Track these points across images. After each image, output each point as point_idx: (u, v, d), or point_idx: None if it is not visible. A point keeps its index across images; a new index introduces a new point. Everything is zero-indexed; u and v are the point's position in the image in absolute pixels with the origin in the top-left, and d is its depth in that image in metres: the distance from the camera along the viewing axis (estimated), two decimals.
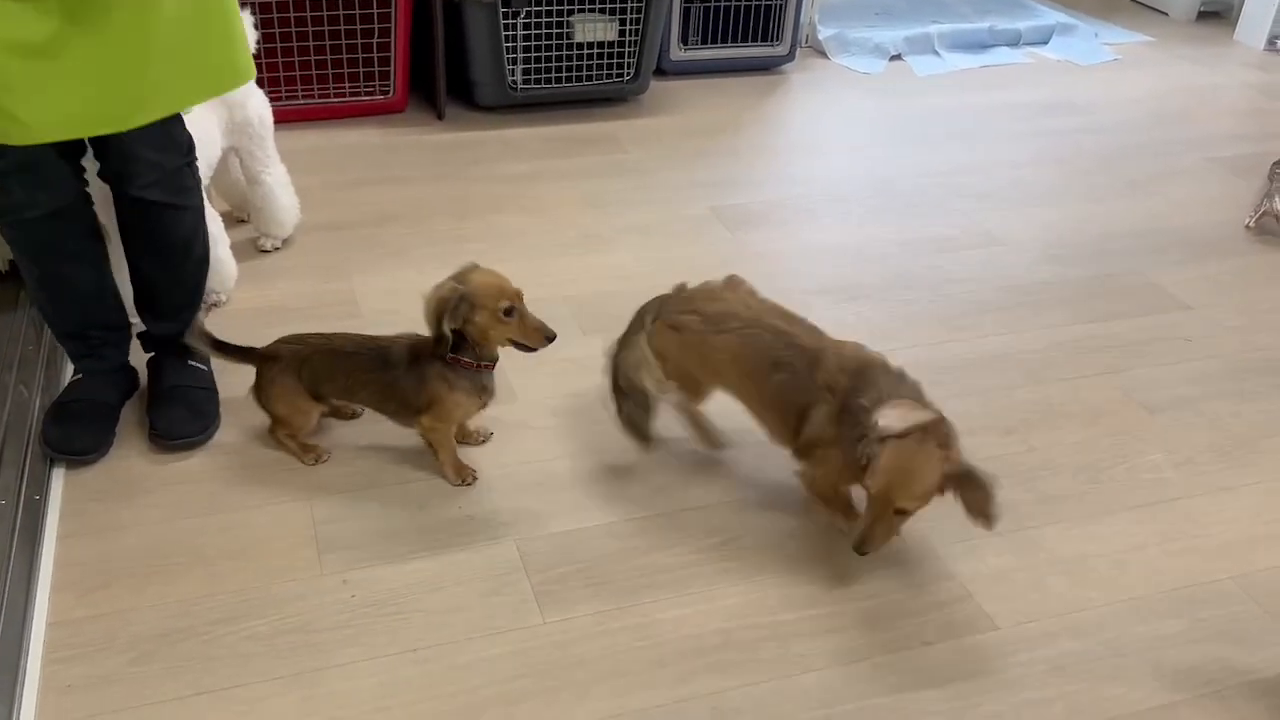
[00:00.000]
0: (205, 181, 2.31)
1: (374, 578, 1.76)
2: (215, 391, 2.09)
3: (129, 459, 1.98)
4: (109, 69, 1.64)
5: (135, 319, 2.11)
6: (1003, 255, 2.87)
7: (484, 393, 1.91)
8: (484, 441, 2.07)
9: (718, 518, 1.93)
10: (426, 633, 1.67)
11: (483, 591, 1.75)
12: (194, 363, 2.09)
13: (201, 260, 2.06)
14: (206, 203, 2.11)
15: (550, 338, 1.83)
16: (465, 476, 1.97)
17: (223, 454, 2.01)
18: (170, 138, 1.88)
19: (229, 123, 2.39)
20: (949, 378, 2.34)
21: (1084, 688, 1.65)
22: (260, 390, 1.96)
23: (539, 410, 2.18)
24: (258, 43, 2.43)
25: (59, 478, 1.92)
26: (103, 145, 1.83)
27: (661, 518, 1.92)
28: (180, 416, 2.00)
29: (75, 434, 1.95)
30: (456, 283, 1.82)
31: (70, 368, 2.11)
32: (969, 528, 1.92)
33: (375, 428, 2.05)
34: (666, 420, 2.14)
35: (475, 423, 2.05)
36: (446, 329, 1.80)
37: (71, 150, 1.83)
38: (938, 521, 1.94)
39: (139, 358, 2.14)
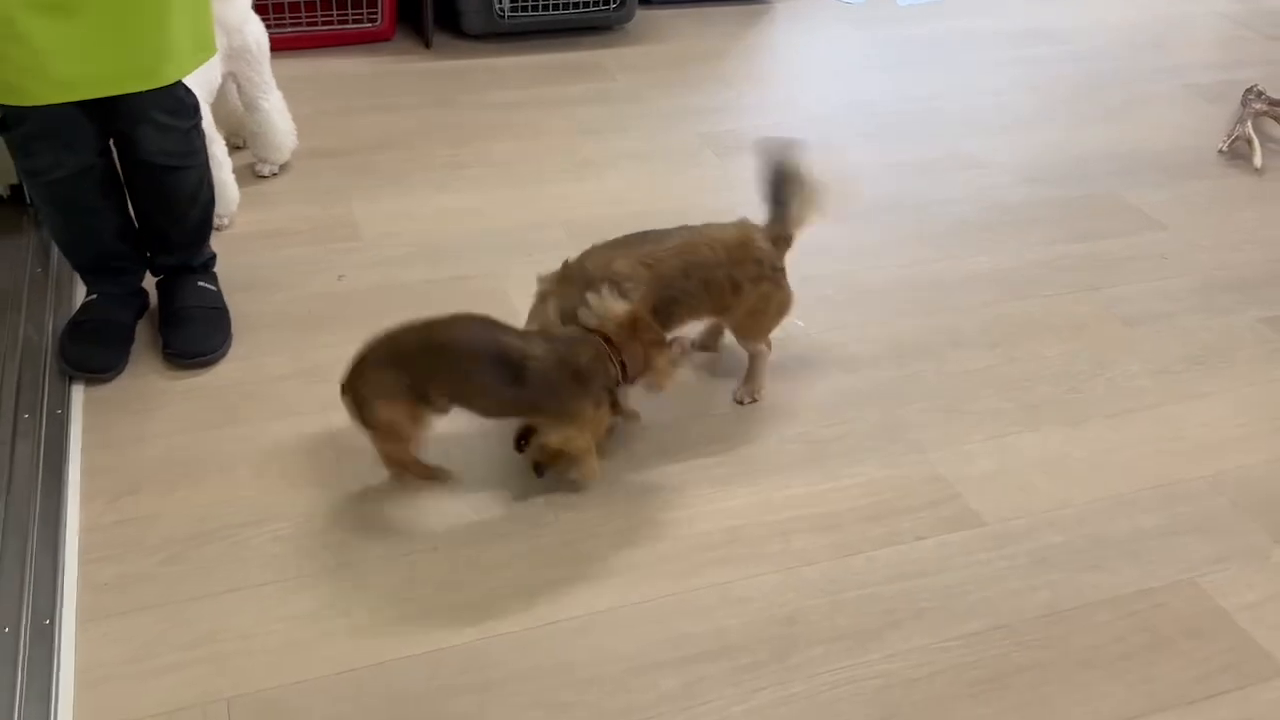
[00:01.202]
0: (205, 107, 2.33)
1: (388, 484, 1.83)
2: (226, 311, 2.14)
3: (145, 376, 2.03)
4: (129, 27, 1.68)
5: None
6: (984, 178, 2.94)
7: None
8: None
9: (720, 428, 2.01)
10: (446, 532, 1.75)
11: (498, 493, 1.82)
12: (203, 283, 2.14)
13: (207, 204, 2.10)
14: (210, 125, 2.15)
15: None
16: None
17: (235, 370, 2.06)
18: (180, 101, 1.93)
19: (227, 48, 2.41)
20: (934, 294, 2.43)
21: (1066, 577, 1.76)
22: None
23: None
24: None
25: (79, 394, 1.98)
26: (115, 113, 1.85)
27: (666, 428, 2.00)
28: (194, 335, 2.06)
29: (93, 353, 2.00)
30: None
31: (81, 287, 2.15)
32: (955, 433, 2.03)
33: None
34: None
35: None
36: None
37: (94, 111, 1.84)
38: (924, 427, 2.04)
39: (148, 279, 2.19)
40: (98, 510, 1.74)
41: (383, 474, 1.84)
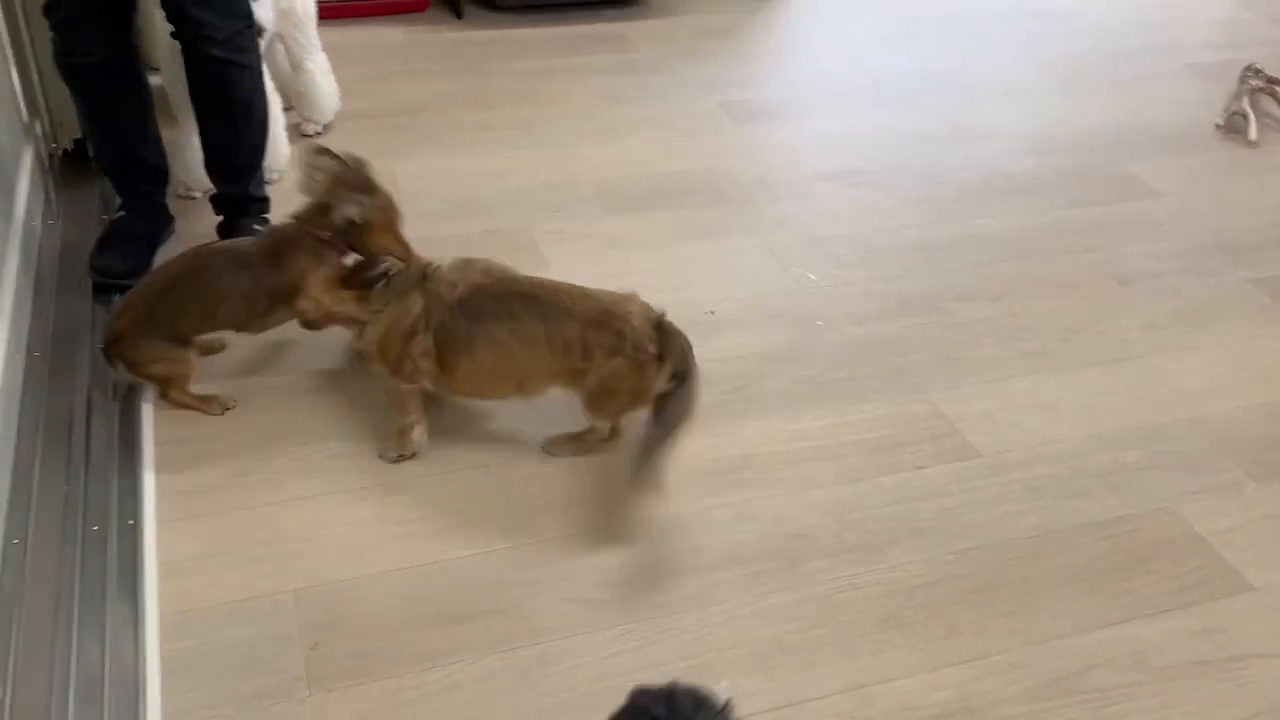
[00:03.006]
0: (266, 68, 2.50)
1: (440, 412, 2.00)
2: None
3: None
4: None
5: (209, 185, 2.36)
6: (989, 147, 3.08)
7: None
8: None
9: (735, 368, 2.17)
10: (490, 453, 1.92)
11: (538, 424, 1.98)
12: (258, 227, 2.31)
13: (262, 123, 2.30)
14: (268, 83, 2.31)
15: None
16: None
17: None
18: (232, 4, 2.14)
19: (276, 10, 2.56)
20: (941, 253, 2.58)
21: (1054, 503, 1.91)
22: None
23: (571, 278, 2.40)
24: None
25: None
26: (175, 10, 2.09)
27: None
28: None
29: (115, 260, 2.22)
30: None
31: None
32: (955, 378, 2.19)
33: None
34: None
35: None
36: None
37: (123, 6, 2.09)
38: (927, 372, 2.20)
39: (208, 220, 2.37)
40: (171, 427, 1.92)
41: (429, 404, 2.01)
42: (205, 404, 1.97)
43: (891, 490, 1.91)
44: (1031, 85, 3.50)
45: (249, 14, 2.19)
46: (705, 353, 2.16)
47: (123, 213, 2.31)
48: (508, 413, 2.00)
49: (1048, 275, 2.54)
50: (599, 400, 1.85)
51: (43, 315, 2.13)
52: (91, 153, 2.48)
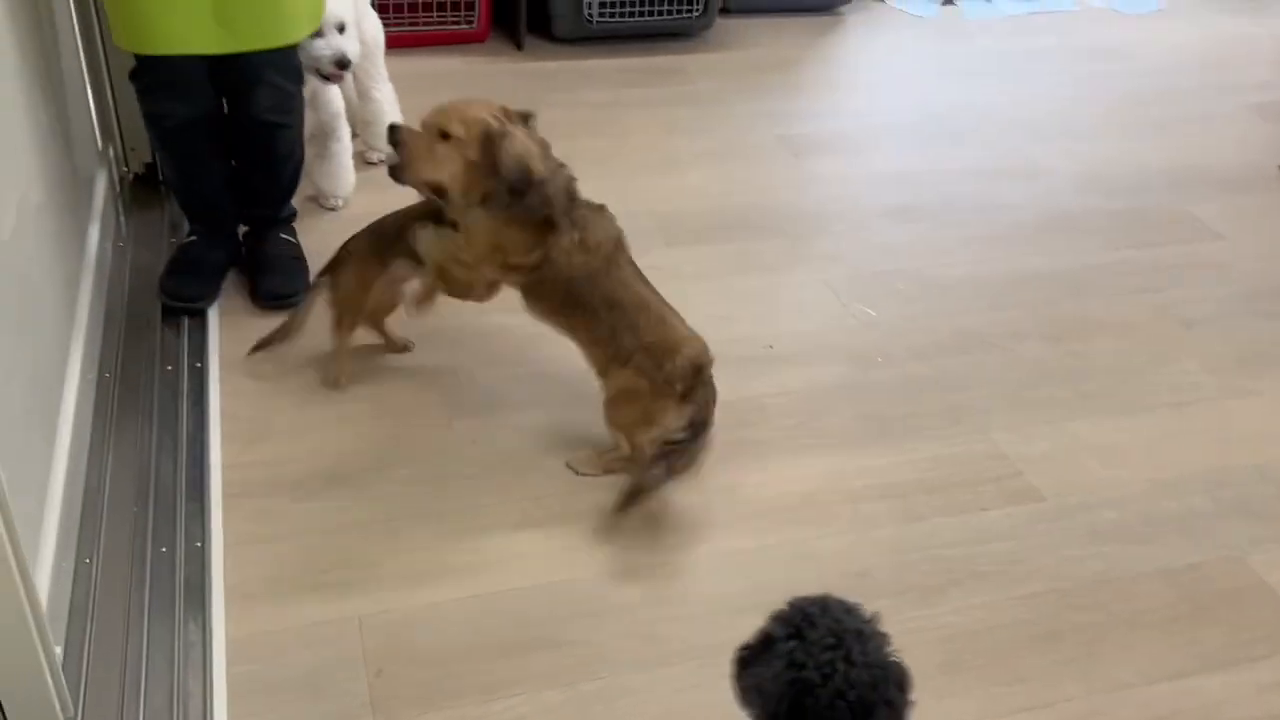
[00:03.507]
0: (340, 100, 2.55)
1: (498, 438, 2.02)
2: (305, 260, 2.37)
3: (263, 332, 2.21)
4: None
5: None
6: (1047, 185, 3.07)
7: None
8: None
9: (795, 404, 2.17)
10: (545, 484, 1.93)
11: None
12: (285, 235, 2.40)
13: (298, 163, 2.36)
14: (342, 115, 2.36)
15: None
16: None
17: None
18: (290, 63, 2.18)
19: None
20: (1000, 291, 2.57)
21: (1119, 549, 1.89)
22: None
23: None
24: None
25: (215, 351, 2.17)
26: (235, 71, 2.11)
27: (748, 400, 2.15)
28: (279, 281, 2.30)
29: (187, 284, 2.26)
30: None
31: None
32: (1016, 418, 2.17)
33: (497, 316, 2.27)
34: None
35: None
36: None
37: (212, 69, 2.10)
38: (987, 411, 2.19)
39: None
40: (237, 451, 1.94)
41: (488, 431, 2.03)
42: (344, 360, 2.10)
43: (953, 531, 1.90)
44: (1089, 123, 3.48)
45: (300, 72, 2.25)
46: (764, 388, 2.19)
47: (193, 238, 2.35)
48: (570, 446, 2.01)
49: (1108, 315, 2.52)
50: (614, 407, 1.93)
51: (113, 337, 2.17)
52: (160, 177, 2.56)
